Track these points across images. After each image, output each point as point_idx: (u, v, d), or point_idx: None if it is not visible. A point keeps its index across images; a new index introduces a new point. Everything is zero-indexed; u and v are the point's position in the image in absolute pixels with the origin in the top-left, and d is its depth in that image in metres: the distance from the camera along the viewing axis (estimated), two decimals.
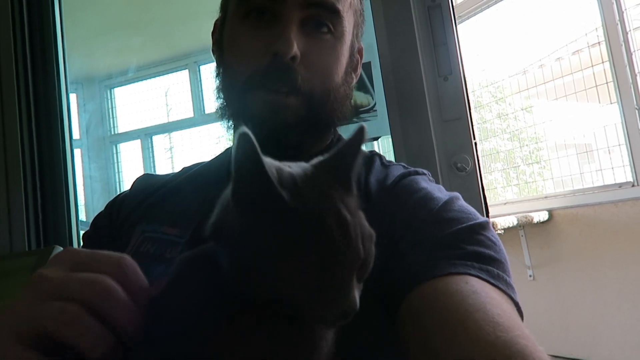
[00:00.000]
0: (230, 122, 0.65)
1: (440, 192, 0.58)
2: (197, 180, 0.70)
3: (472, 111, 1.02)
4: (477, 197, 0.98)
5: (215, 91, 0.66)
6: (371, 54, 1.09)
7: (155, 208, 0.67)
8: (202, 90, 3.06)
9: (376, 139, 1.14)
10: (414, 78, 1.01)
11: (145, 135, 3.23)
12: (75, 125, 2.90)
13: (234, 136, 0.64)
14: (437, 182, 0.86)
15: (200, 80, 3.08)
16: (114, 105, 3.28)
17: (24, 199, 1.31)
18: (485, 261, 0.48)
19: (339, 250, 0.32)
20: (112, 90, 3.30)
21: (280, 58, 0.57)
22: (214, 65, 0.69)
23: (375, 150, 0.71)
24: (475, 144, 1.03)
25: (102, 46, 2.74)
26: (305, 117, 0.60)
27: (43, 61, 1.39)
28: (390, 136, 1.05)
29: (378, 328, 0.49)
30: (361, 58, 0.71)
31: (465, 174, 0.98)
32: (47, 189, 1.36)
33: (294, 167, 0.36)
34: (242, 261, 0.33)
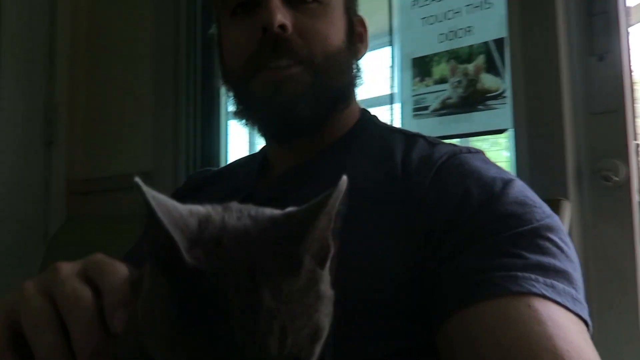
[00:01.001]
0: (244, 119, 0.62)
1: (498, 176, 0.50)
2: (223, 174, 0.72)
3: (634, 102, 0.77)
4: (628, 218, 0.74)
5: (226, 95, 0.65)
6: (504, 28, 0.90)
7: (189, 199, 0.67)
8: None
9: (502, 131, 0.94)
10: (552, 56, 0.79)
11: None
12: None
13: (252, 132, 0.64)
14: (565, 193, 0.68)
15: None
16: None
17: None
18: (550, 274, 0.42)
19: (233, 344, 0.24)
20: None
21: (269, 30, 0.55)
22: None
23: (420, 133, 0.61)
24: (638, 145, 0.78)
25: None
26: (312, 84, 0.56)
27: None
28: (513, 130, 0.85)
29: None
30: (365, 31, 0.67)
31: (612, 185, 0.74)
32: None
33: (244, 220, 0.28)
34: (140, 311, 0.28)
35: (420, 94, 1.04)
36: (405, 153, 0.56)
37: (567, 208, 0.74)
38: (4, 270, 1.48)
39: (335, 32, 0.60)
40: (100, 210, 1.62)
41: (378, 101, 1.15)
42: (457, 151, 0.55)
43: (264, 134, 0.62)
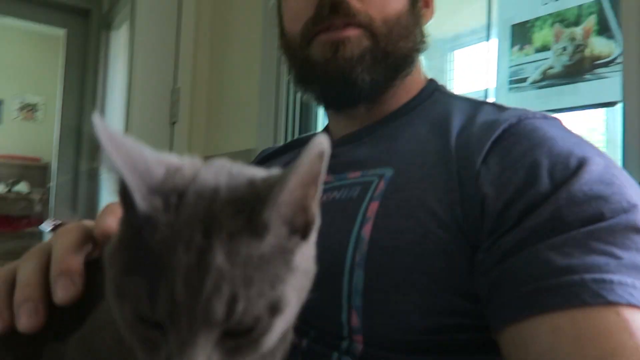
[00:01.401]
0: (303, 88, 0.61)
1: (577, 148, 0.43)
2: (290, 147, 0.72)
3: None
4: None
5: (285, 62, 0.63)
6: None
7: (261, 164, 0.72)
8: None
9: (613, 104, 0.79)
10: None
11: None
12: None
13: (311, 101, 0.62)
14: None
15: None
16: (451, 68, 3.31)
17: None
18: None
19: (174, 302, 0.23)
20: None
21: None
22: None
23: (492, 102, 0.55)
24: None
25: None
26: (371, 49, 0.54)
27: None
28: (622, 104, 0.71)
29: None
30: None
31: None
32: None
33: (220, 177, 0.26)
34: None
35: (519, 65, 0.92)
36: (467, 119, 0.51)
37: None
38: None
39: None
40: None
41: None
42: (529, 115, 0.48)
43: (322, 101, 0.61)
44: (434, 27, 0.63)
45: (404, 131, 0.54)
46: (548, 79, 0.87)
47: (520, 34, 0.93)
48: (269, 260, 0.24)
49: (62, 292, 0.32)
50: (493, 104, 0.54)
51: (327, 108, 0.63)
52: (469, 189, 0.44)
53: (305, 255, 0.26)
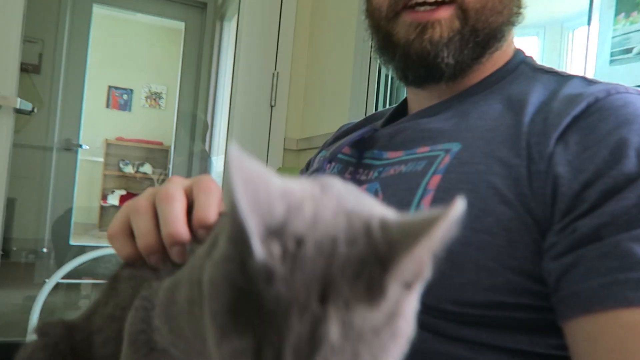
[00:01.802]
0: (383, 61, 0.59)
1: None
2: (369, 119, 0.72)
3: None
4: None
5: (369, 33, 0.61)
6: None
7: (336, 141, 0.72)
8: None
9: None
10: None
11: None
12: None
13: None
14: None
15: None
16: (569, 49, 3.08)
17: None
18: None
19: None
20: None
21: None
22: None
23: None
24: None
25: None
26: (460, 31, 0.51)
27: None
28: None
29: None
30: None
31: None
32: None
33: (338, 217, 0.23)
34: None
35: (624, 34, 0.84)
36: (550, 94, 0.48)
37: None
38: None
39: None
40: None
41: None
42: (620, 89, 0.44)
43: (402, 78, 0.59)
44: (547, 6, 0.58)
45: (479, 106, 0.52)
46: None
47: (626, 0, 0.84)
48: (379, 330, 0.22)
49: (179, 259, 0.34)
50: (582, 78, 0.50)
51: (407, 85, 0.61)
52: (539, 165, 0.42)
53: (408, 315, 0.23)
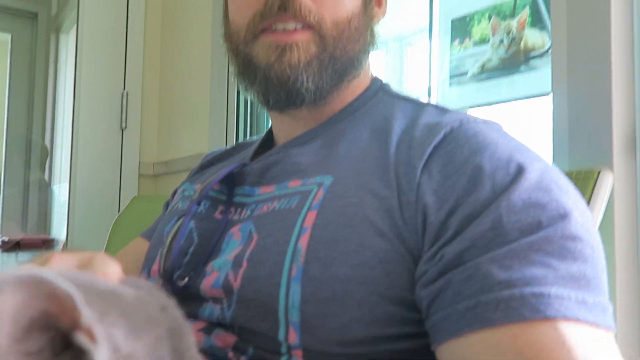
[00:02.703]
0: (244, 84, 0.58)
1: (516, 153, 0.43)
2: (237, 149, 0.71)
3: None
4: None
5: (228, 57, 0.60)
6: None
7: (201, 170, 0.70)
8: None
9: (545, 94, 0.80)
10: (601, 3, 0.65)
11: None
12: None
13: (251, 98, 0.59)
14: (609, 163, 0.58)
15: None
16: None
17: None
18: (582, 286, 0.37)
19: None
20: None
21: None
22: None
23: (433, 103, 0.54)
24: None
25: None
26: (318, 56, 0.52)
27: None
28: (552, 95, 0.72)
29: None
30: None
31: None
32: None
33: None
34: None
35: (459, 58, 0.93)
36: (409, 122, 0.50)
37: (609, 180, 0.61)
38: (79, 240, 1.62)
39: None
40: (165, 191, 1.70)
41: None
42: (470, 120, 0.48)
43: (263, 102, 0.58)
44: (388, 24, 0.62)
45: (345, 135, 0.53)
46: (487, 72, 0.88)
47: (460, 28, 0.93)
48: None
49: None
50: (435, 106, 0.54)
51: (268, 109, 0.60)
52: (409, 195, 0.43)
53: None
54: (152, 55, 1.80)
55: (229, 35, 0.58)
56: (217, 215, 0.56)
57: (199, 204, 0.58)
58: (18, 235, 2.55)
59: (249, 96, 0.59)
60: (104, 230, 1.64)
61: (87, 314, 0.22)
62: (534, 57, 0.82)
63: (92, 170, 1.69)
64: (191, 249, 0.53)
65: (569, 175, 0.63)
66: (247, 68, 0.55)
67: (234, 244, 0.50)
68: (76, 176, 1.66)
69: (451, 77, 0.94)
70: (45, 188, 2.59)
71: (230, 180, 0.57)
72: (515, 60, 0.84)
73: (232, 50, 0.58)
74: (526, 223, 0.38)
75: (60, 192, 2.46)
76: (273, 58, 0.52)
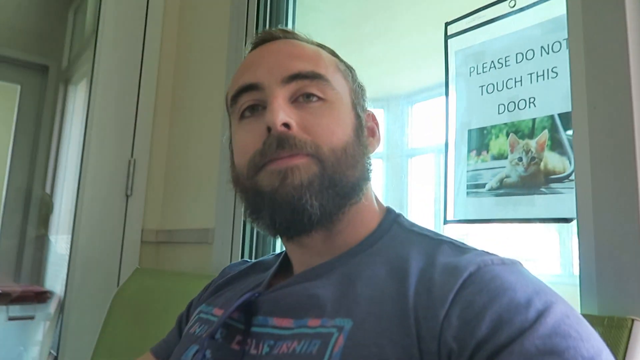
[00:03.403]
0: (255, 221, 0.60)
1: (535, 296, 0.44)
2: (255, 269, 0.72)
3: None
4: None
5: (237, 195, 0.63)
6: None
7: (218, 291, 0.70)
8: None
9: (568, 220, 0.80)
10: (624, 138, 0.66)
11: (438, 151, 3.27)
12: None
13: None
14: None
15: None
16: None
17: None
18: None
19: None
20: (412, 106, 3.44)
21: (273, 129, 0.55)
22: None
23: (448, 237, 0.57)
24: None
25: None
26: (319, 175, 0.55)
27: None
28: (576, 221, 0.71)
29: None
30: (377, 125, 0.67)
31: None
32: None
33: None
34: None
35: (477, 170, 0.93)
36: (426, 262, 0.51)
37: None
38: (79, 309, 1.58)
39: (342, 128, 0.58)
40: (167, 261, 1.68)
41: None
42: (488, 262, 0.49)
43: (273, 230, 0.59)
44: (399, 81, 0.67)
45: (363, 272, 0.54)
46: (505, 188, 0.88)
47: (477, 139, 0.94)
48: None
49: None
50: (452, 243, 0.55)
51: (280, 237, 0.61)
52: (430, 345, 0.44)
53: None
54: (161, 124, 1.81)
55: (235, 178, 0.61)
56: (234, 346, 0.55)
57: (213, 337, 0.57)
58: (10, 287, 2.49)
59: (260, 230, 0.60)
60: (103, 292, 1.60)
61: None
62: (554, 181, 0.82)
63: (95, 234, 1.66)
64: None
65: (600, 321, 0.61)
66: (255, 198, 0.57)
67: None
68: (79, 234, 1.64)
69: (469, 187, 0.94)
70: (44, 241, 2.55)
71: (247, 308, 0.57)
72: (535, 180, 0.84)
73: (239, 190, 0.61)
74: None
75: (57, 243, 2.43)
76: (277, 183, 0.54)
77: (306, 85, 0.58)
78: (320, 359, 0.47)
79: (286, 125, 0.55)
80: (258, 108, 0.59)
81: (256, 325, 0.56)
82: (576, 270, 0.92)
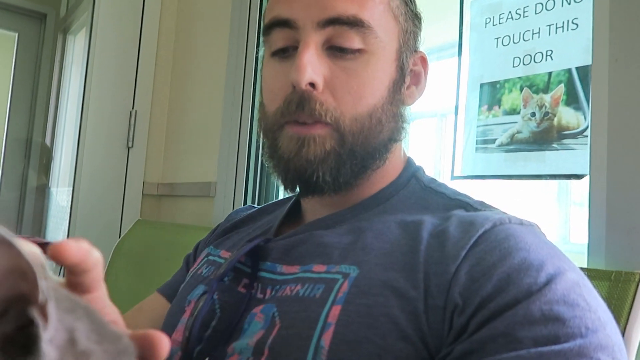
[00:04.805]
0: (270, 163, 0.59)
1: (548, 260, 0.42)
2: (262, 212, 0.71)
3: None
4: None
5: (260, 133, 0.61)
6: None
7: (226, 234, 0.70)
8: None
9: (579, 177, 0.78)
10: None
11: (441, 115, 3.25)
12: None
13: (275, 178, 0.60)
14: None
15: None
16: None
17: None
18: None
19: None
20: None
21: (297, 87, 0.52)
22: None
23: (465, 195, 0.55)
24: None
25: None
26: (335, 151, 0.52)
27: None
28: (589, 177, 0.70)
29: None
30: (425, 68, 0.61)
31: None
32: None
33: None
34: None
35: (487, 125, 0.91)
36: (440, 220, 0.50)
37: None
38: None
39: (373, 89, 0.54)
40: (169, 213, 1.67)
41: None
42: (505, 220, 0.47)
43: (283, 184, 0.58)
44: None
45: (374, 224, 0.53)
46: (516, 143, 0.86)
47: (489, 94, 0.91)
48: None
49: None
50: (468, 202, 0.53)
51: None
52: (437, 300, 0.43)
53: None
54: (163, 76, 1.77)
55: (262, 118, 0.60)
56: (241, 289, 0.55)
57: (222, 279, 0.57)
58: None
59: (274, 179, 0.59)
60: (105, 243, 1.61)
61: (44, 290, 0.21)
62: (567, 137, 0.80)
63: (96, 187, 1.66)
64: (213, 323, 0.53)
65: (607, 275, 0.61)
66: (273, 153, 0.56)
67: (256, 326, 0.49)
68: (80, 186, 1.63)
69: (478, 142, 0.92)
70: (45, 191, 2.55)
71: (255, 253, 0.57)
72: (547, 136, 0.82)
73: (262, 130, 0.59)
74: (541, 335, 0.37)
75: (58, 195, 2.42)
76: (293, 152, 0.53)
77: (345, 32, 0.53)
78: (324, 303, 0.47)
79: (311, 84, 0.52)
80: (289, 49, 0.55)
81: (264, 270, 0.55)
82: (573, 238, 0.92)
